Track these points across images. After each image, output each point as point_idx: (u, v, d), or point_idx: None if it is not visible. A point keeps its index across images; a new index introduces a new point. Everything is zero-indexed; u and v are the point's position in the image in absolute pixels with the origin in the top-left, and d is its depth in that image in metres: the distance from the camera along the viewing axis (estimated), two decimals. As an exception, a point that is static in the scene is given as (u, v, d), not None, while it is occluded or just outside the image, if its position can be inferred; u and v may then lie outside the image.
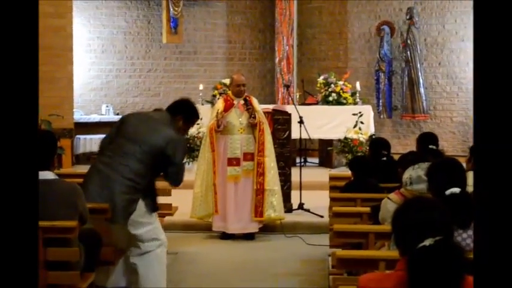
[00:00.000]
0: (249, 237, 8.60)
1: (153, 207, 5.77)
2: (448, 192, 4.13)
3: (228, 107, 8.54)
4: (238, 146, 8.51)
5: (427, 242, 2.79)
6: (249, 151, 8.51)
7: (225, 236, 8.59)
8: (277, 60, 15.31)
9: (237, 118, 8.51)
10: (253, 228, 8.61)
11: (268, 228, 8.79)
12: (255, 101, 8.70)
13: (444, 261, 2.70)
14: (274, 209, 8.55)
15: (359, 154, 11.45)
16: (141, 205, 5.61)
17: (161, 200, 7.43)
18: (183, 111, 5.89)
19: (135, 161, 5.56)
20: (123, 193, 5.48)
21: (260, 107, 8.85)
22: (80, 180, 6.94)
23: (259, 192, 8.49)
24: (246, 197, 8.50)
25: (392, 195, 5.24)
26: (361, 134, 12.43)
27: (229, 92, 8.88)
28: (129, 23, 14.92)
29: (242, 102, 8.49)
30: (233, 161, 8.50)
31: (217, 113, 8.43)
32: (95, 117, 14.26)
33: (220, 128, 8.38)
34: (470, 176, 5.22)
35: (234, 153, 8.49)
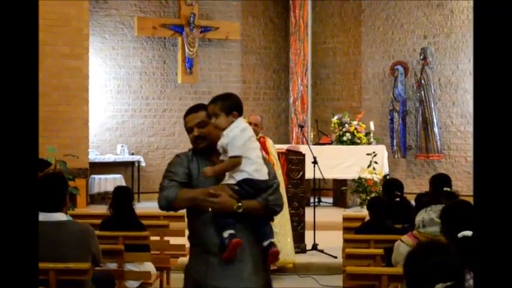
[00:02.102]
0: None
1: None
2: (460, 235, 4.12)
3: None
4: None
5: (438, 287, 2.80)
6: None
7: None
8: (291, 100, 15.39)
9: None
10: None
11: (281, 269, 8.74)
12: (269, 142, 8.71)
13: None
14: (282, 252, 8.48)
15: (373, 194, 11.43)
16: None
17: (174, 240, 7.49)
18: None
19: None
20: None
21: (275, 147, 8.87)
22: (95, 220, 7.02)
23: None
24: None
25: (405, 238, 5.23)
26: (375, 174, 12.43)
27: None
28: (145, 63, 15.05)
29: None
30: None
31: None
32: (110, 157, 14.33)
33: None
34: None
35: None
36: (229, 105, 4.24)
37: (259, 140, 8.59)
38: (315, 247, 9.36)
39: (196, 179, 4.20)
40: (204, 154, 4.28)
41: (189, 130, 4.33)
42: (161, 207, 4.21)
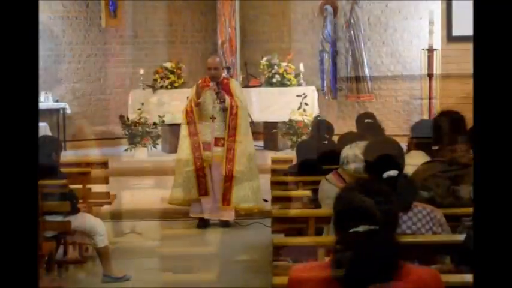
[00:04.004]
0: (225, 224, 8.48)
1: None
2: (385, 175, 3.97)
3: (203, 88, 8.41)
4: (210, 130, 8.35)
5: (361, 228, 2.65)
6: (220, 136, 8.35)
7: (201, 224, 8.47)
8: (219, 42, 15.07)
9: (211, 102, 8.37)
10: (228, 216, 8.46)
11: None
12: (234, 83, 8.67)
13: (373, 249, 2.58)
14: (245, 198, 8.42)
15: (304, 136, 11.34)
16: None
17: (96, 188, 7.29)
18: None
19: None
20: None
21: (240, 88, 8.87)
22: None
23: (228, 179, 8.32)
24: (217, 183, 8.38)
25: (329, 176, 5.13)
26: (306, 115, 12.33)
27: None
28: (67, 7, 14.49)
29: (214, 86, 8.34)
30: (204, 146, 8.35)
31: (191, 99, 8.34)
32: (33, 105, 13.82)
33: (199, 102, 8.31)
34: (410, 157, 5.10)
35: (204, 138, 8.35)
36: None
37: (222, 81, 8.43)
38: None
39: None
40: None
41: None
42: None
